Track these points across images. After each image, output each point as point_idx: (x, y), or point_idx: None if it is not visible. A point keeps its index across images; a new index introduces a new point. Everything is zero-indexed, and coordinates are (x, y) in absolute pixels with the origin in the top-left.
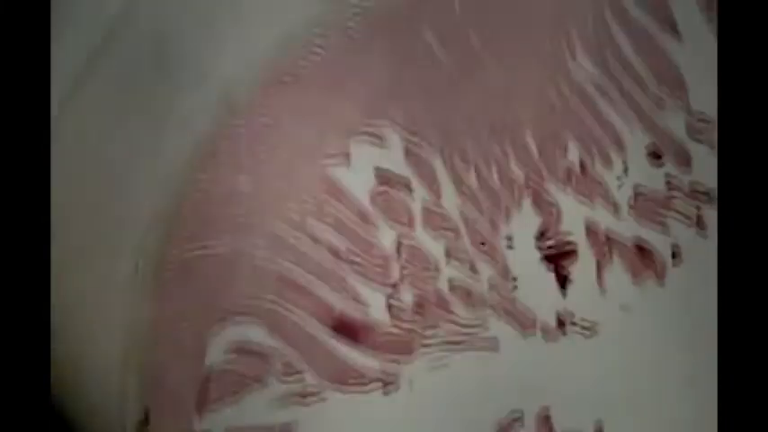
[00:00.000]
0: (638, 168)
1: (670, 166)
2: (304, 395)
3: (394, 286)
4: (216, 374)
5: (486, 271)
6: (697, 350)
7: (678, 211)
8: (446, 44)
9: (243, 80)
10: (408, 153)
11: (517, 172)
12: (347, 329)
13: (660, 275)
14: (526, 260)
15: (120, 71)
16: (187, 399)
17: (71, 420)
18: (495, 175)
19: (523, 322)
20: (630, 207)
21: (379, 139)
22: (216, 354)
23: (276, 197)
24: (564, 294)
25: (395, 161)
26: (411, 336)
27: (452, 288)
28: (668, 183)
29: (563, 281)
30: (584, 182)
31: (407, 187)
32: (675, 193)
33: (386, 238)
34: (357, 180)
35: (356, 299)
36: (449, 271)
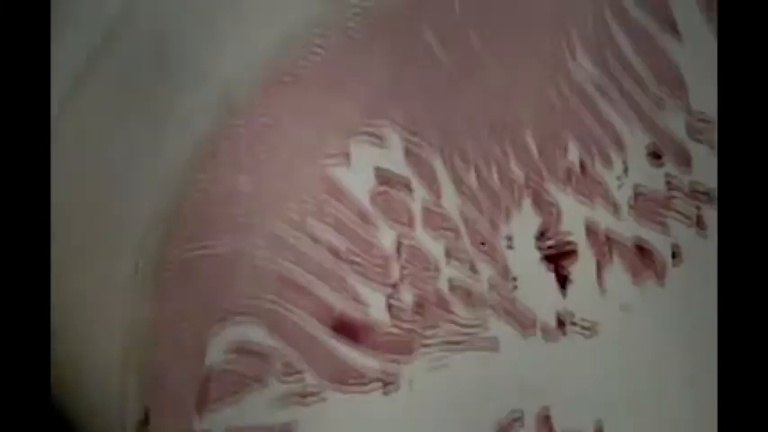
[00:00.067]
0: (639, 168)
1: (670, 166)
2: (304, 395)
3: (394, 286)
4: (216, 374)
5: (486, 271)
6: (697, 350)
7: (678, 211)
8: (446, 44)
9: (243, 80)
10: (408, 153)
11: (517, 172)
12: (347, 329)
13: (660, 275)
14: (526, 260)
15: (120, 71)
16: (187, 399)
17: (71, 420)
18: (495, 175)
19: (523, 322)
20: (630, 207)
21: (379, 139)
22: (216, 354)
23: (276, 197)
24: (564, 294)
25: (395, 161)
26: (411, 336)
27: (452, 288)
28: (668, 183)
29: (563, 281)
30: (585, 182)
31: (407, 187)
32: (675, 193)
33: (386, 238)
34: (357, 180)
35: (356, 299)
36: (449, 271)
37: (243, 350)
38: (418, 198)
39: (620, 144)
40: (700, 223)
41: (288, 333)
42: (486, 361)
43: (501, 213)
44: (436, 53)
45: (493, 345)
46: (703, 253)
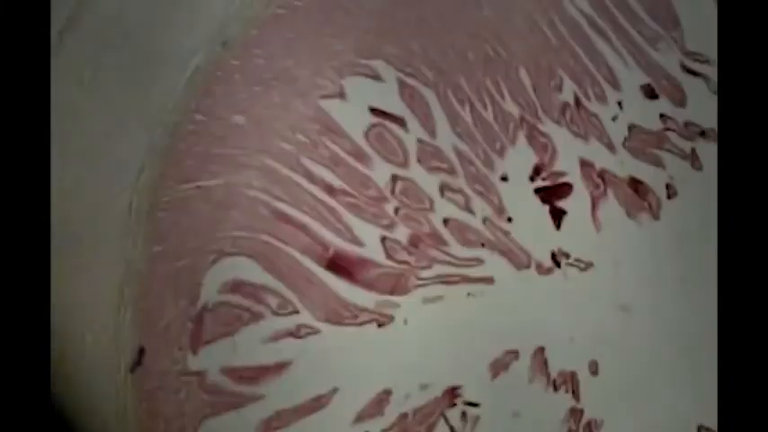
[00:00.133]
0: (633, 106)
1: (665, 104)
2: (298, 332)
3: (389, 224)
4: (210, 312)
5: (480, 208)
6: (692, 283)
7: (672, 147)
8: None
9: (237, 16)
10: (403, 89)
11: (512, 108)
12: (342, 267)
13: (655, 210)
14: (521, 197)
15: (115, 9)
16: (182, 337)
17: (71, 420)
18: (491, 113)
19: (518, 260)
20: (625, 144)
21: (373, 76)
22: (210, 292)
23: (270, 135)
24: (558, 231)
25: (389, 98)
26: (406, 272)
27: (447, 225)
28: (663, 120)
29: (558, 217)
30: (580, 119)
31: (402, 124)
32: (671, 126)
33: (380, 175)
34: (352, 117)
35: (351, 236)
36: (443, 208)
37: (237, 288)
38: (413, 135)
39: (614, 81)
40: (694, 158)
41: (282, 271)
42: (480, 297)
43: (496, 151)
44: None
45: (488, 281)
46: (698, 185)
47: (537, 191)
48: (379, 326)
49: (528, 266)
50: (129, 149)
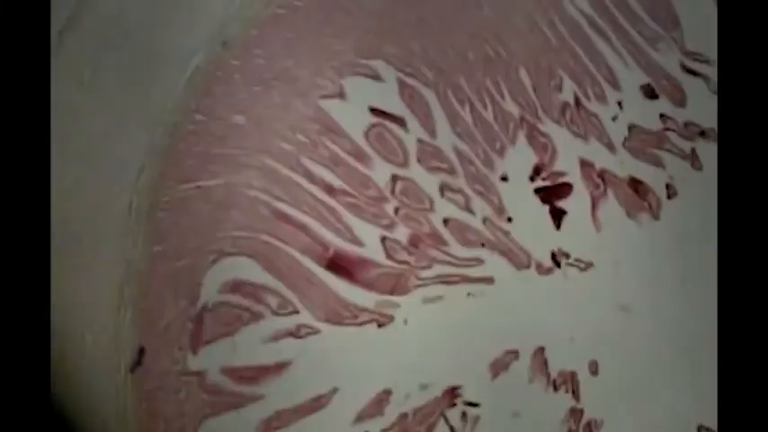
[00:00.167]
0: (633, 106)
1: (665, 104)
2: (298, 332)
3: (389, 224)
4: (210, 312)
5: (480, 208)
6: (692, 282)
7: (672, 147)
8: None
9: (237, 16)
10: (403, 90)
11: (512, 108)
12: (342, 267)
13: (655, 210)
14: (521, 197)
15: (115, 9)
16: (182, 337)
17: (71, 420)
18: (491, 113)
19: (518, 260)
20: (625, 144)
21: (373, 77)
22: (210, 292)
23: (270, 135)
24: (558, 231)
25: (389, 98)
26: (406, 272)
27: (447, 225)
28: (663, 120)
29: (558, 217)
30: (580, 119)
31: (402, 124)
32: (671, 126)
33: (380, 175)
34: (352, 117)
35: (351, 236)
36: (443, 208)
37: (237, 288)
38: (413, 135)
39: (614, 81)
40: (694, 158)
41: (282, 271)
42: (480, 297)
43: (496, 151)
44: None
45: (488, 281)
46: (697, 186)
47: (537, 191)
48: (379, 326)
49: (528, 266)
50: (129, 149)
